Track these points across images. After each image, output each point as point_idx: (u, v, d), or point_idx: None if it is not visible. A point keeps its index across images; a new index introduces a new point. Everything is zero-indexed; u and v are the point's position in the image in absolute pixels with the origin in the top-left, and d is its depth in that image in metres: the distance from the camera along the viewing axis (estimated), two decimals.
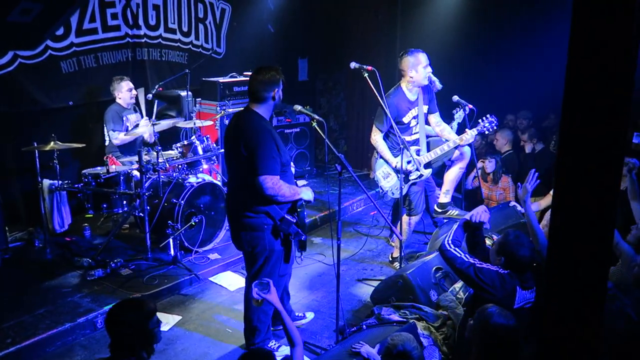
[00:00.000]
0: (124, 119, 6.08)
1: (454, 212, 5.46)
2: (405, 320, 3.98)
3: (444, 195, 5.49)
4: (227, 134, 3.85)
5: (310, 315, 4.57)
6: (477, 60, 7.87)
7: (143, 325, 2.68)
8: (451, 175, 5.40)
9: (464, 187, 5.97)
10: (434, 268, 4.62)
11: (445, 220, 5.64)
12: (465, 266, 3.42)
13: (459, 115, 5.78)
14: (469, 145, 5.34)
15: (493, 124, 5.20)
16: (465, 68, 7.79)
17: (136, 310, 2.74)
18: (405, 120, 5.08)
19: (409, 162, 5.04)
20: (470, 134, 5.12)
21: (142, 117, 6.36)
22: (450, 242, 3.59)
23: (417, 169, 5.12)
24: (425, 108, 5.20)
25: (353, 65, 4.79)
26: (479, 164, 6.60)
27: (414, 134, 5.19)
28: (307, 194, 3.87)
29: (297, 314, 4.52)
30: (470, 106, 5.55)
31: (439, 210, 5.54)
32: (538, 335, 1.69)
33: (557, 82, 1.52)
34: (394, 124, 4.86)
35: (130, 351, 2.69)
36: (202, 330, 4.54)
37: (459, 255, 3.50)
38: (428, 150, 5.25)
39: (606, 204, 1.48)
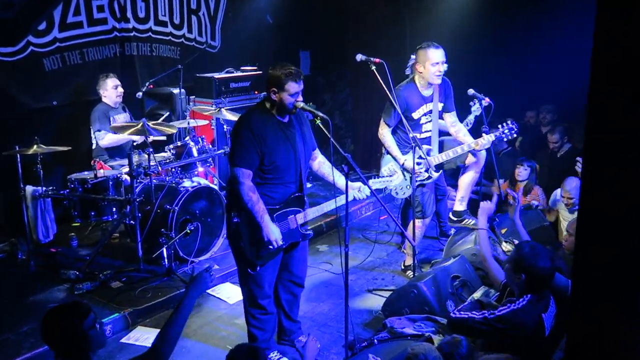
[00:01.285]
0: (111, 119, 6.09)
1: (470, 221, 5.41)
2: (420, 333, 3.97)
3: (459, 203, 5.44)
4: None
5: None
6: (495, 50, 7.84)
7: (76, 328, 2.68)
8: (466, 180, 5.36)
9: (481, 189, 5.93)
10: (451, 276, 4.59)
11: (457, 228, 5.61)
12: (480, 321, 3.34)
13: (476, 108, 5.75)
14: (486, 150, 5.30)
15: (513, 131, 5.14)
16: (481, 59, 7.77)
17: (66, 314, 2.75)
18: (415, 116, 5.06)
19: (419, 162, 5.01)
20: (487, 139, 5.07)
21: (131, 117, 6.38)
22: (456, 311, 3.54)
23: (427, 170, 5.09)
24: (440, 106, 5.17)
25: (359, 57, 4.78)
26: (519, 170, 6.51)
27: (424, 132, 5.16)
28: (268, 232, 3.73)
29: (301, 339, 4.39)
30: (487, 100, 5.53)
31: (454, 219, 5.49)
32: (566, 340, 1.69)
33: (580, 73, 1.51)
34: (403, 119, 4.85)
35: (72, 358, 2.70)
36: (200, 347, 4.53)
37: (468, 316, 3.42)
38: (440, 151, 5.22)
39: (636, 202, 1.46)
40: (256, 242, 3.80)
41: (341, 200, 3.96)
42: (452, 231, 5.66)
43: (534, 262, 3.32)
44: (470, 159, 5.28)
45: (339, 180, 4.00)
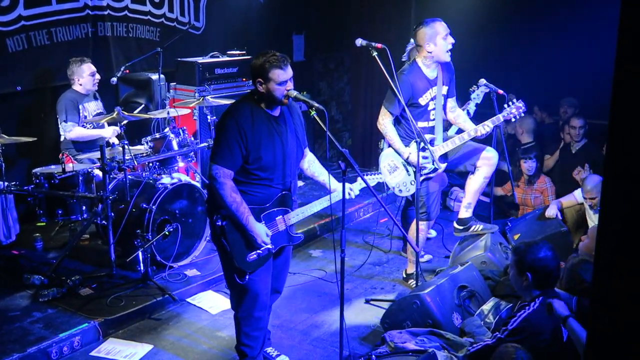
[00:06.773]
0: (81, 107, 6.08)
1: (477, 227, 5.42)
2: (423, 349, 3.99)
3: (465, 210, 5.43)
4: None
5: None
6: (509, 35, 7.86)
7: None
8: (473, 186, 5.36)
9: (492, 190, 5.95)
10: (458, 286, 4.62)
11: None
12: (495, 345, 3.45)
13: (476, 95, 5.75)
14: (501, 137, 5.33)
15: (521, 110, 5.12)
16: (494, 45, 7.79)
17: None
18: (422, 101, 5.06)
19: (424, 156, 5.01)
20: (491, 125, 5.06)
21: (103, 105, 6.37)
22: (470, 348, 3.70)
23: (432, 162, 5.10)
24: (444, 89, 5.18)
25: (359, 42, 4.80)
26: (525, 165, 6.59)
27: (432, 120, 5.17)
28: (256, 233, 3.77)
29: (269, 350, 4.41)
30: (500, 91, 5.55)
31: (460, 228, 5.49)
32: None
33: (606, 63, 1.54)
34: (406, 109, 4.87)
35: None
36: None
37: (482, 345, 3.58)
38: (444, 140, 5.23)
39: None
40: (244, 247, 3.82)
41: (334, 197, 3.98)
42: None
43: (534, 255, 3.43)
44: (480, 161, 5.26)
45: (332, 180, 4.05)
